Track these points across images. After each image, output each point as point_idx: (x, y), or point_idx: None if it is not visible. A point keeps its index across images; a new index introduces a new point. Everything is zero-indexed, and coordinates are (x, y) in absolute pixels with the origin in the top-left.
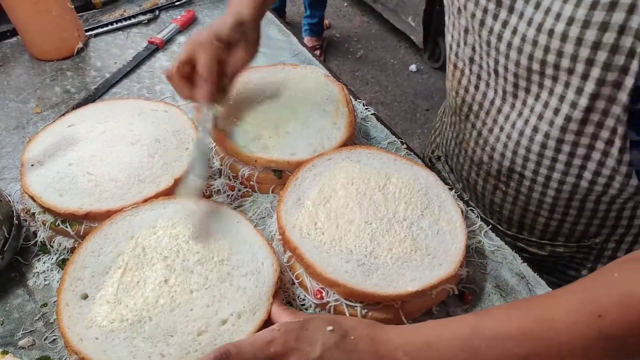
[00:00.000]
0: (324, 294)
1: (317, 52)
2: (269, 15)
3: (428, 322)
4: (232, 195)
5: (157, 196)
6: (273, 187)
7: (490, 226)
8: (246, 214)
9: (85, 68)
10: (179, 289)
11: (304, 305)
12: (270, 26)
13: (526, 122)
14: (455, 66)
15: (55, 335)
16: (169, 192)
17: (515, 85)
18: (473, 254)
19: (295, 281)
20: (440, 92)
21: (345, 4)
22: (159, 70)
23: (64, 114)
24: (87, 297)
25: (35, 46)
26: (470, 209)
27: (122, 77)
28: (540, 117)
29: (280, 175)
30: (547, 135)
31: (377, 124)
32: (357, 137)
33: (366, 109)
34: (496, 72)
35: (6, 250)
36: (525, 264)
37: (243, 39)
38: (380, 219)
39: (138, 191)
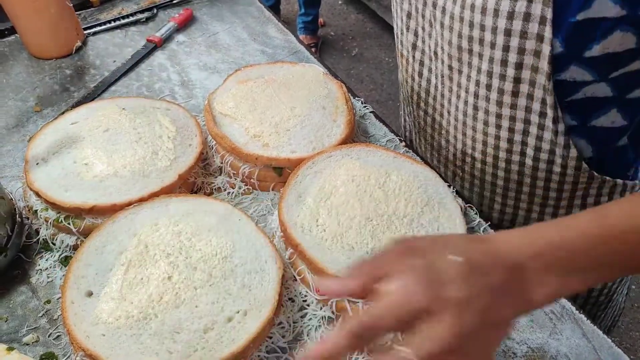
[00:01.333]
0: None
1: (313, 50)
2: (267, 14)
3: (537, 226)
4: (233, 192)
5: (162, 191)
6: (273, 184)
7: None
8: (247, 212)
9: (84, 66)
10: (182, 286)
11: (305, 301)
12: (268, 24)
13: (466, 102)
14: (401, 55)
15: (59, 332)
16: (173, 188)
17: (450, 68)
18: None
19: (297, 277)
20: None
21: (340, 2)
22: (157, 69)
23: (64, 112)
24: (92, 294)
25: (34, 44)
26: (469, 206)
27: (121, 75)
28: (476, 95)
29: (280, 172)
30: (486, 112)
31: (376, 121)
32: (356, 134)
33: (364, 106)
34: (435, 54)
35: (9, 248)
36: None
37: None
38: (381, 216)
39: (143, 186)
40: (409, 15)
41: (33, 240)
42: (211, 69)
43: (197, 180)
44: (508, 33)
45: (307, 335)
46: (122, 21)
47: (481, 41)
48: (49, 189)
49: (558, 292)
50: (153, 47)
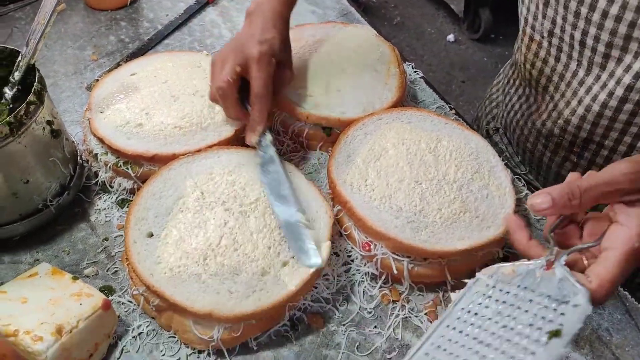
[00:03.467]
0: (372, 247)
1: None
2: None
3: None
4: (281, 150)
5: (219, 144)
6: (321, 144)
7: None
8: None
9: (138, 19)
10: (239, 232)
11: (350, 257)
12: None
13: (611, 94)
14: (531, 39)
15: (116, 268)
16: (230, 142)
17: (606, 56)
18: None
19: (344, 234)
20: (477, 64)
21: None
22: (209, 25)
23: (120, 62)
24: (152, 235)
25: None
26: (517, 178)
27: (174, 29)
28: (630, 87)
29: (329, 132)
30: (638, 104)
31: (426, 87)
32: (405, 99)
33: (415, 71)
34: (583, 43)
35: (71, 187)
36: None
37: (287, 58)
38: (430, 180)
39: (201, 138)
40: (545, 4)
41: (92, 182)
42: None
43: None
44: None
45: (350, 290)
46: None
47: None
48: (112, 136)
49: None
50: (205, 3)
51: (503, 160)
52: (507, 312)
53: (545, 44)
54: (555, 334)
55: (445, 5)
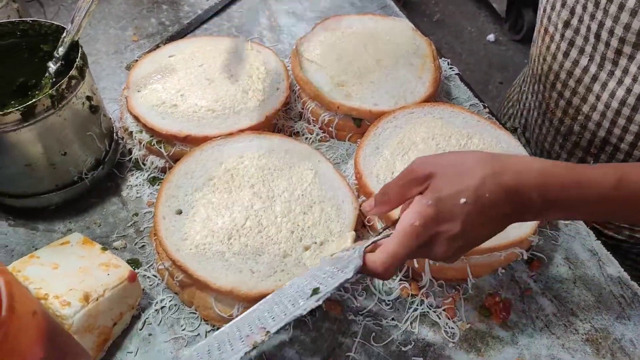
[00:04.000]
0: None
1: None
2: None
3: (562, 165)
4: (311, 138)
5: (250, 129)
6: (350, 135)
7: None
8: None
9: (179, 3)
10: (264, 215)
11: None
12: None
13: (629, 91)
14: (545, 31)
15: (144, 242)
16: (259, 127)
17: (619, 52)
18: (546, 225)
19: (367, 224)
20: (517, 66)
21: None
22: (248, 11)
23: (159, 44)
24: (181, 212)
25: None
26: None
27: (214, 14)
28: None
29: (359, 123)
30: None
31: (460, 84)
32: (438, 95)
33: (450, 68)
34: (597, 36)
35: (106, 162)
36: (599, 241)
37: None
38: None
39: (234, 122)
40: None
41: (126, 159)
42: (299, 16)
43: (278, 122)
44: None
45: (370, 281)
46: None
47: None
48: (147, 114)
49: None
50: None
51: None
52: (305, 282)
53: (557, 37)
54: (315, 291)
55: (487, 4)
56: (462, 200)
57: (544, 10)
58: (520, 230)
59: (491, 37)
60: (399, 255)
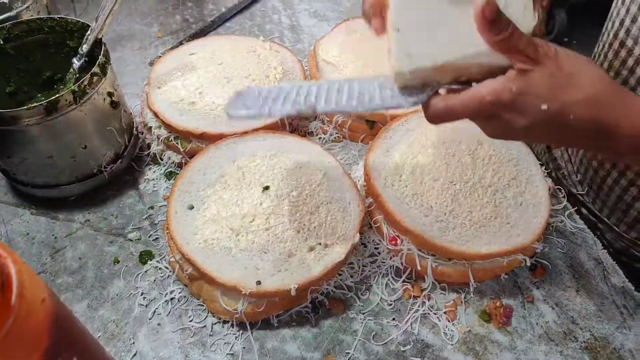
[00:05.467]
0: (398, 242)
1: None
2: None
3: None
4: (324, 138)
5: (265, 128)
6: (363, 136)
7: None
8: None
9: (204, 0)
10: (272, 213)
11: (377, 249)
12: None
13: None
14: (622, 44)
15: (158, 235)
16: (274, 127)
17: None
18: (552, 232)
19: (373, 226)
20: None
21: None
22: (270, 11)
23: (182, 41)
24: (193, 208)
25: None
26: (558, 188)
27: (237, 13)
28: None
29: (372, 125)
30: None
31: None
32: None
33: None
34: None
35: (125, 156)
36: (605, 250)
37: None
38: (465, 182)
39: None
40: None
41: (144, 153)
42: (321, 16)
43: (292, 122)
44: None
45: (374, 280)
46: None
47: None
48: (166, 111)
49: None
50: None
51: (561, 177)
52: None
53: (637, 50)
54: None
55: None
56: (544, 107)
57: (622, 23)
58: (524, 237)
59: None
60: (454, 113)
